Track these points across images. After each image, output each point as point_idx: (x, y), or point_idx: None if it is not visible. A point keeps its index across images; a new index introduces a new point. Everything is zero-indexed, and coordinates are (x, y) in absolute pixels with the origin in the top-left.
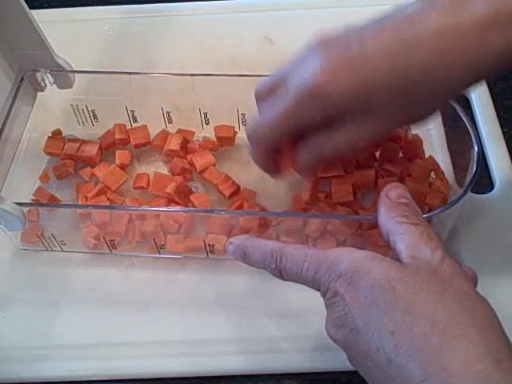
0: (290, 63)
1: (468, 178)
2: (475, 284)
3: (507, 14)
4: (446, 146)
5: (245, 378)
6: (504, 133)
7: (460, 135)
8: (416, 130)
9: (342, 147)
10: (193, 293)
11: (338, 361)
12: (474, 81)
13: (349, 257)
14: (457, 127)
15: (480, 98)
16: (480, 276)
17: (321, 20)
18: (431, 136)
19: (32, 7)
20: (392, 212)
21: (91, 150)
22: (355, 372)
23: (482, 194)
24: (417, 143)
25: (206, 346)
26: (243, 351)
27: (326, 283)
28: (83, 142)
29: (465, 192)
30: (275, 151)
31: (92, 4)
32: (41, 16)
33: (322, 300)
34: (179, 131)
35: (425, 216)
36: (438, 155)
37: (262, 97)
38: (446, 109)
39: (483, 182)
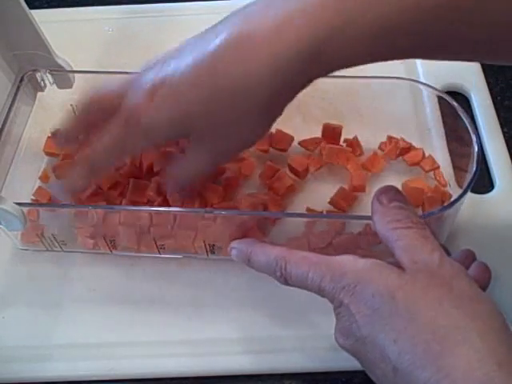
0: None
1: (468, 178)
2: (489, 278)
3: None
4: (446, 146)
5: (245, 378)
6: (504, 133)
7: (460, 135)
8: (416, 130)
9: (186, 176)
10: (193, 293)
11: (338, 361)
12: (283, 90)
13: (351, 267)
14: (457, 127)
15: (480, 98)
16: None
17: None
18: (431, 136)
19: (32, 7)
20: (385, 218)
21: None
22: (355, 372)
23: (482, 194)
24: None
25: (205, 345)
26: (243, 351)
27: (330, 294)
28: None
29: (465, 192)
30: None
31: (92, 4)
32: (41, 16)
33: (322, 300)
34: None
35: (424, 216)
36: (438, 155)
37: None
38: (446, 109)
39: (483, 182)
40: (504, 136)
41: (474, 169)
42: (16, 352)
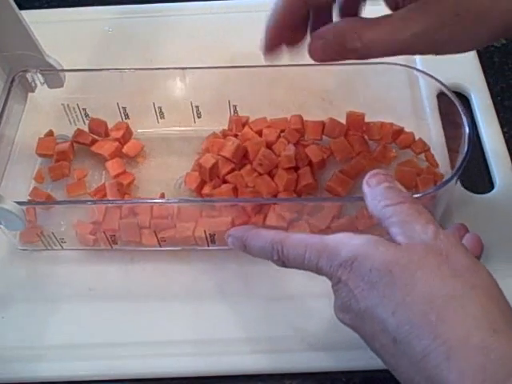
0: None
1: (460, 159)
2: (481, 250)
3: None
4: (442, 131)
5: (245, 378)
6: (504, 133)
7: (455, 121)
8: (411, 115)
9: (375, 44)
10: (193, 293)
11: (338, 361)
12: None
13: (347, 244)
14: (457, 127)
15: (480, 98)
16: None
17: None
18: (430, 133)
19: (32, 7)
20: (375, 198)
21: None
22: (355, 372)
23: (482, 193)
24: None
25: (206, 345)
26: (243, 351)
27: (328, 272)
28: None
29: (457, 171)
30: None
31: (92, 4)
32: (41, 16)
33: (323, 300)
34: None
35: (415, 197)
36: (433, 141)
37: None
38: (441, 96)
39: (483, 182)
40: (504, 136)
41: (466, 149)
42: (15, 352)
